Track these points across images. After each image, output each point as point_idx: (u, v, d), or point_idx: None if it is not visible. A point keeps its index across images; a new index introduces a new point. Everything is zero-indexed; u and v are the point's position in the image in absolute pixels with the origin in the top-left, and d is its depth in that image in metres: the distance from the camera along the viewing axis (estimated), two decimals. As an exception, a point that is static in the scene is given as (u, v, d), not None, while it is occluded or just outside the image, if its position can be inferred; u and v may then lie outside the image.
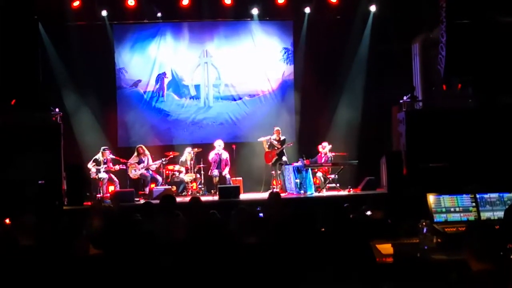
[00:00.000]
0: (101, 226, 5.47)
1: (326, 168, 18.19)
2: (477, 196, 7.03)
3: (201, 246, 6.22)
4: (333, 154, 18.42)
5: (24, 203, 13.82)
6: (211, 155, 18.45)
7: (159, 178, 18.19)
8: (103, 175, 17.65)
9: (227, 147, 19.16)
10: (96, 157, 17.84)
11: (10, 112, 17.03)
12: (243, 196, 17.38)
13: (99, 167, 17.67)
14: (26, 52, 18.06)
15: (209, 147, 19.27)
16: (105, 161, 17.79)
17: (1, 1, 17.38)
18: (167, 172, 18.51)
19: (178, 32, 20.72)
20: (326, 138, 19.02)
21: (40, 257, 5.28)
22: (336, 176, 18.11)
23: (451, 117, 16.79)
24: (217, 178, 18.18)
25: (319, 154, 18.40)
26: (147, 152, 18.27)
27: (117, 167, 17.93)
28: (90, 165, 17.73)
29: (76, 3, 18.98)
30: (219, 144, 18.49)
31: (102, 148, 17.95)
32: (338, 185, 17.97)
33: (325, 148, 18.35)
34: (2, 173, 15.61)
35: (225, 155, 18.50)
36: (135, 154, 18.18)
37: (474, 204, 6.97)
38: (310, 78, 20.32)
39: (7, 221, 10.39)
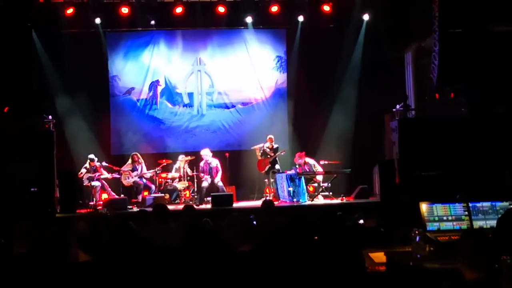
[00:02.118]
0: (92, 233, 5.47)
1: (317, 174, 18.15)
2: (470, 205, 7.05)
3: (194, 254, 6.23)
4: (326, 162, 18.39)
5: (16, 210, 13.74)
6: (201, 166, 18.39)
7: (152, 186, 18.17)
8: (95, 183, 17.62)
9: (220, 155, 19.17)
10: (86, 165, 17.82)
11: (3, 119, 17.00)
12: (236, 204, 17.37)
13: (91, 175, 17.64)
14: (19, 60, 18.03)
15: (203, 155, 19.34)
16: (94, 168, 17.75)
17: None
18: (160, 180, 18.48)
19: (172, 40, 20.75)
20: (319, 146, 19.14)
21: (34, 264, 5.28)
22: (329, 184, 18.10)
23: (444, 126, 16.82)
24: (205, 190, 18.12)
25: (301, 166, 18.25)
26: (141, 160, 18.25)
27: (108, 175, 17.90)
28: (83, 174, 17.72)
29: (69, 11, 19.00)
30: (206, 154, 18.38)
31: (89, 157, 17.88)
32: (331, 193, 17.97)
33: (297, 160, 18.23)
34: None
35: (215, 162, 18.41)
36: (130, 161, 18.16)
37: (466, 212, 6.98)
38: (303, 86, 20.35)
39: None
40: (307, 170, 18.03)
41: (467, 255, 4.63)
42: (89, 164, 17.77)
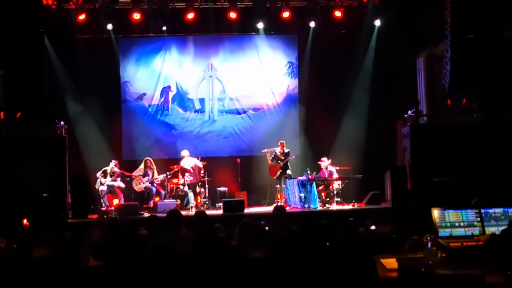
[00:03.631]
0: (102, 238, 5.50)
1: (331, 182, 18.12)
2: (482, 211, 7.02)
3: (206, 260, 6.23)
4: (337, 168, 18.37)
5: (29, 215, 13.78)
6: (190, 165, 18.36)
7: (163, 192, 18.20)
8: (105, 187, 17.67)
9: (232, 160, 19.37)
10: (106, 168, 17.88)
11: (15, 125, 17.09)
12: (248, 210, 17.37)
13: (105, 180, 17.69)
14: (31, 66, 18.14)
15: (214, 160, 19.38)
16: (111, 174, 17.81)
17: (7, 14, 17.46)
18: (171, 185, 18.51)
19: (183, 46, 20.79)
20: (330, 152, 19.03)
21: (48, 268, 5.30)
22: (340, 190, 18.08)
23: (456, 132, 16.78)
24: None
25: (321, 170, 18.35)
26: (153, 166, 18.28)
27: (122, 184, 17.96)
28: (99, 174, 17.78)
29: (81, 17, 19.06)
30: (188, 155, 18.49)
31: (113, 162, 17.97)
32: (341, 199, 17.96)
33: (324, 161, 18.26)
34: (7, 186, 15.65)
35: (195, 160, 18.52)
36: (142, 166, 18.20)
37: (478, 219, 6.96)
38: (314, 92, 20.36)
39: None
40: (326, 176, 18.06)
41: (492, 259, 4.64)
42: (111, 169, 17.83)
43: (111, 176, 17.79)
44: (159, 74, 20.60)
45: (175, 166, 18.59)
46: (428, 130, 17.59)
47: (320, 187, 18.06)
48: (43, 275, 5.25)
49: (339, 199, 18.01)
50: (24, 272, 5.40)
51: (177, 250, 6.44)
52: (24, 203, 15.19)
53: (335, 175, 18.12)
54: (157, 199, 17.99)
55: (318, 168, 18.39)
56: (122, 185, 18.04)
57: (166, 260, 6.22)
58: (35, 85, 18.33)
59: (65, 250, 5.96)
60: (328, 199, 17.88)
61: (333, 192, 18.01)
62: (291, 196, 18.05)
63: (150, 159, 18.36)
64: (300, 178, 17.75)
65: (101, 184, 17.75)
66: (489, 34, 17.18)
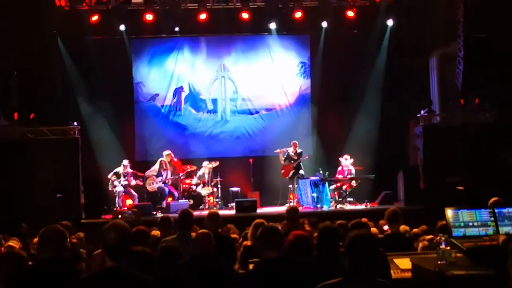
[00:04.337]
0: (119, 239, 5.50)
1: (346, 182, 18.09)
2: (496, 210, 6.98)
3: (218, 260, 6.24)
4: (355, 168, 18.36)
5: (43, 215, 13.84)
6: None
7: (176, 192, 18.23)
8: (119, 188, 17.72)
9: (244, 161, 19.49)
10: (117, 170, 17.93)
11: (28, 126, 17.16)
12: (260, 210, 17.38)
13: (118, 180, 17.74)
14: (44, 67, 18.23)
15: (227, 161, 19.40)
16: (125, 174, 17.86)
17: (21, 15, 17.54)
18: (184, 186, 18.54)
19: (196, 46, 20.82)
20: (343, 152, 18.96)
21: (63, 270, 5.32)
22: (349, 191, 18.07)
23: (469, 132, 16.73)
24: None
25: (341, 167, 18.34)
26: (168, 167, 18.31)
27: (134, 182, 17.99)
28: (111, 176, 17.82)
29: (94, 18, 19.14)
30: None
31: (124, 161, 18.03)
32: (354, 199, 17.95)
33: (347, 160, 18.24)
34: (21, 187, 15.73)
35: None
36: (157, 166, 18.21)
37: (492, 218, 6.91)
38: (327, 92, 20.36)
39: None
40: (346, 174, 18.08)
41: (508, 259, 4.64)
42: (123, 167, 17.89)
43: (124, 177, 17.83)
44: (172, 74, 20.63)
45: (188, 167, 18.63)
46: (441, 130, 17.56)
47: (334, 186, 18.07)
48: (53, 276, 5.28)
49: (351, 199, 17.99)
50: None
51: (189, 250, 6.47)
52: (37, 203, 15.29)
53: (353, 175, 18.10)
54: (170, 199, 18.03)
55: (331, 168, 18.39)
56: (140, 183, 18.07)
57: (179, 260, 6.25)
58: (48, 86, 18.46)
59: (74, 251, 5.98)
60: (340, 199, 17.87)
61: (345, 192, 17.98)
62: (304, 196, 18.03)
63: (165, 160, 18.38)
64: (312, 178, 17.74)
65: (114, 185, 17.79)
66: (502, 33, 17.10)
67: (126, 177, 17.86)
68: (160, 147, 19.95)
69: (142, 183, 18.21)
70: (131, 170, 18.09)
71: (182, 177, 18.50)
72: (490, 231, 6.84)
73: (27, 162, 16.15)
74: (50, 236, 5.47)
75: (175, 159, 18.72)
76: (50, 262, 5.32)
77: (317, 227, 6.88)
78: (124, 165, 17.94)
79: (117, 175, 17.85)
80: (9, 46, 17.73)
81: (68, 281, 4.97)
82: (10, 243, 8.46)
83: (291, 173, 18.35)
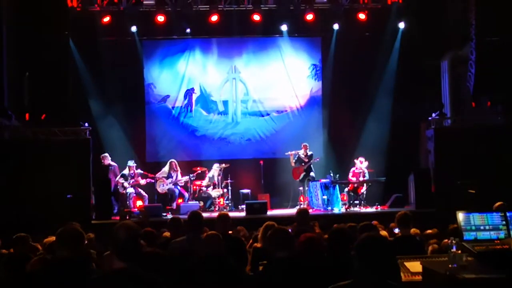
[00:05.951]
0: (127, 239, 5.50)
1: (357, 184, 18.07)
2: (507, 214, 6.95)
3: (228, 261, 6.24)
4: (360, 170, 18.32)
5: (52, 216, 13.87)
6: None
7: (186, 194, 18.25)
8: (130, 189, 17.75)
9: (255, 162, 19.51)
10: (124, 172, 17.97)
11: (40, 126, 17.21)
12: (271, 212, 17.37)
13: (127, 181, 17.77)
14: (56, 68, 18.28)
15: (237, 163, 19.40)
16: (132, 175, 17.90)
17: (33, 16, 17.61)
18: (194, 187, 18.55)
19: (207, 48, 20.82)
20: (354, 155, 18.95)
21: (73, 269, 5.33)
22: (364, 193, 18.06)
23: (480, 135, 16.69)
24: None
25: (355, 167, 18.31)
26: (178, 168, 18.35)
27: (143, 181, 18.01)
28: (119, 178, 17.86)
29: (106, 19, 19.17)
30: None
31: (129, 162, 18.06)
32: (364, 202, 17.92)
33: (362, 163, 18.23)
34: (32, 187, 15.76)
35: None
36: (167, 168, 18.26)
37: (504, 222, 6.89)
38: (338, 95, 20.33)
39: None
40: (358, 177, 18.07)
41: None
42: (129, 169, 17.92)
43: (132, 178, 17.86)
44: (183, 76, 20.64)
45: (198, 168, 18.64)
46: (453, 133, 17.49)
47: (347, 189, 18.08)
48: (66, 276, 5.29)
49: (358, 202, 17.95)
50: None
51: (200, 252, 6.47)
52: (48, 204, 15.32)
53: (366, 177, 18.08)
54: (180, 200, 18.04)
55: (342, 170, 18.38)
56: (143, 182, 18.08)
57: (189, 261, 6.25)
58: (59, 87, 18.49)
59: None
60: (351, 202, 17.85)
61: (359, 195, 17.97)
62: (314, 199, 18.00)
63: (175, 161, 18.41)
64: (323, 180, 17.71)
65: (124, 187, 17.82)
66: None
67: (134, 178, 17.89)
68: (171, 149, 20.02)
69: (152, 181, 18.22)
70: (138, 170, 18.11)
71: (192, 179, 18.50)
72: (502, 234, 6.82)
73: (38, 163, 16.19)
74: (68, 235, 5.49)
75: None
76: (67, 261, 5.34)
77: (327, 229, 6.87)
78: (129, 166, 18.01)
79: (125, 177, 17.90)
80: (21, 47, 17.82)
81: (84, 281, 4.97)
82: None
83: (301, 175, 18.34)
